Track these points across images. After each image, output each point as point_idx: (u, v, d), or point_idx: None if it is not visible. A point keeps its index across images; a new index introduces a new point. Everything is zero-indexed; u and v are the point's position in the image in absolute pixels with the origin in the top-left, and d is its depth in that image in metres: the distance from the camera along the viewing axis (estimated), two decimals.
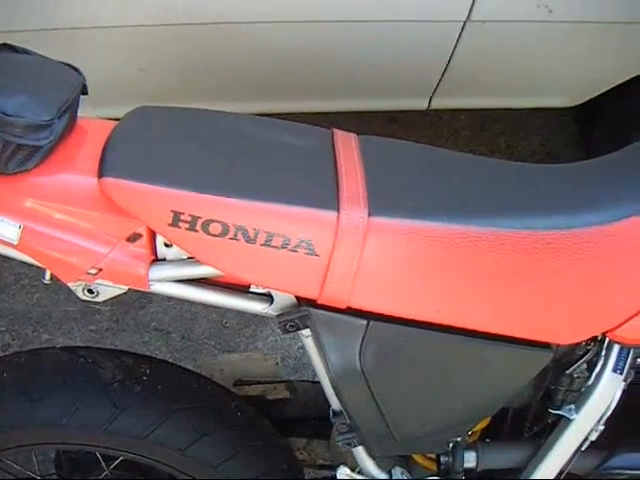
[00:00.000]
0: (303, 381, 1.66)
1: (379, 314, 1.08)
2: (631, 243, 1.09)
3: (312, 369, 2.39)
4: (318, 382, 1.64)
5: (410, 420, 1.21)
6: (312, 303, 1.07)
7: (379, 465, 1.30)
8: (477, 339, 1.12)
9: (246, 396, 1.57)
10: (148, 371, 1.38)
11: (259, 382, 1.60)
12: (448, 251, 1.05)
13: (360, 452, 1.27)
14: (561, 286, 1.09)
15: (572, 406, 1.24)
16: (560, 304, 1.10)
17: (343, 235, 1.01)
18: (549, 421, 1.30)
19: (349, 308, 1.06)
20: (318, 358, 1.15)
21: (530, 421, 1.36)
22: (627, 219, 1.09)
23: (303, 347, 2.50)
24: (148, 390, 1.35)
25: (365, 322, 1.09)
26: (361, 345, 1.10)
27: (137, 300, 2.65)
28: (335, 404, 1.21)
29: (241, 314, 2.57)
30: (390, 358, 1.13)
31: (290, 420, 1.63)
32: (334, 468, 1.69)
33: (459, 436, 1.26)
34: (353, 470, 1.30)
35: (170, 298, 2.60)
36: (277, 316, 1.10)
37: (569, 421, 1.25)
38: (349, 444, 1.24)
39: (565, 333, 1.14)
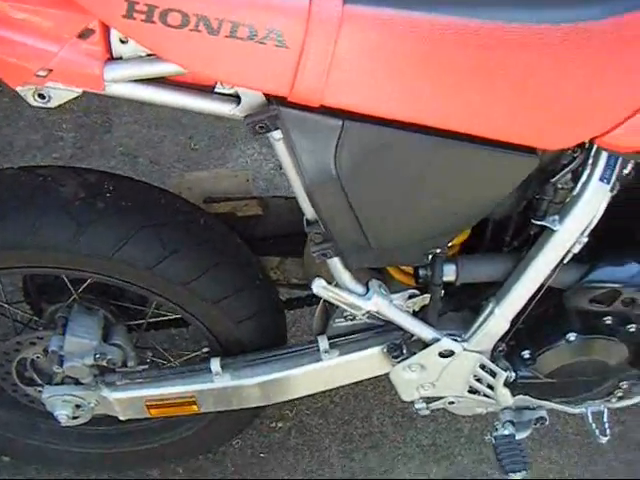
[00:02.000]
0: (276, 197, 1.59)
1: (355, 114, 0.99)
2: (626, 40, 0.99)
3: (285, 186, 2.37)
4: (292, 197, 1.59)
5: (387, 229, 1.15)
6: (283, 102, 0.98)
7: (355, 278, 1.26)
8: (459, 141, 1.04)
9: (216, 213, 1.50)
10: (112, 188, 1.30)
11: (229, 199, 1.53)
12: (428, 43, 0.95)
13: (336, 264, 1.22)
14: (548, 86, 1.00)
15: (556, 217, 1.19)
16: (546, 106, 1.02)
17: (315, 24, 0.91)
18: (531, 233, 1.25)
19: (322, 107, 0.98)
20: (290, 163, 1.07)
21: (510, 234, 1.30)
22: (625, 14, 0.98)
23: (275, 168, 2.50)
24: (112, 207, 1.28)
25: (340, 122, 1.00)
26: (336, 147, 1.02)
27: (101, 125, 2.54)
28: (309, 213, 1.15)
29: (209, 135, 2.48)
30: (366, 161, 1.05)
31: (262, 238, 1.58)
32: (308, 287, 1.67)
33: (438, 248, 1.21)
34: (329, 284, 1.25)
35: (135, 121, 2.51)
36: (245, 117, 1.01)
37: (552, 232, 1.20)
38: (324, 254, 1.18)
39: (551, 138, 1.06)
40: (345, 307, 1.27)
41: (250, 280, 1.42)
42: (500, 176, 1.10)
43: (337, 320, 1.42)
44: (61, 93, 1.01)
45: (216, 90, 1.02)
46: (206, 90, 1.02)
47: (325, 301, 1.37)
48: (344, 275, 1.23)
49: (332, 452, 1.97)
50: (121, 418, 1.51)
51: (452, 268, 1.28)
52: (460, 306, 1.40)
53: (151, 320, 1.53)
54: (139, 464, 1.80)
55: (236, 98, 1.02)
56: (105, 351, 1.40)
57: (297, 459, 1.95)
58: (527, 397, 1.49)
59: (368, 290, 1.26)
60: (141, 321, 1.52)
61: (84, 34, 0.95)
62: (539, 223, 1.20)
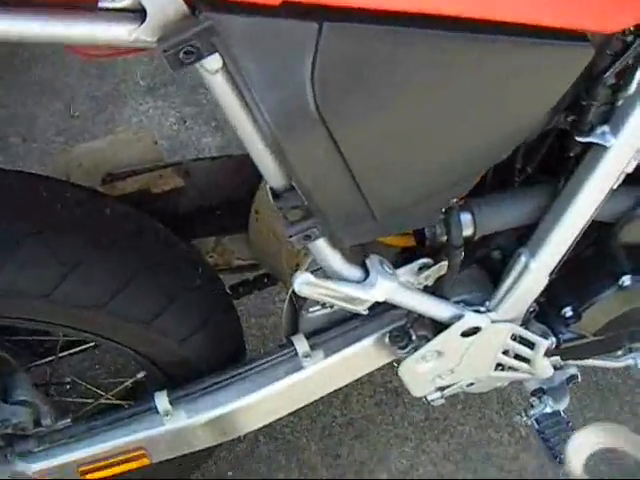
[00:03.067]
0: (198, 160, 1.19)
1: (335, 10, 0.61)
2: None
3: (194, 143, 1.98)
4: (218, 157, 1.20)
5: (395, 182, 0.78)
6: (218, 5, 0.58)
7: (348, 259, 0.88)
8: (490, 35, 0.69)
9: (123, 195, 1.12)
10: None
11: (136, 172, 1.13)
12: None
13: (322, 246, 0.84)
14: None
15: (606, 129, 0.85)
16: None
17: None
18: (571, 154, 0.90)
19: (285, 4, 0.59)
20: (239, 105, 0.67)
21: (533, 162, 0.96)
22: None
23: (178, 122, 2.10)
24: None
25: (316, 25, 0.62)
26: (312, 67, 0.64)
27: None
28: (277, 179, 0.75)
29: (90, 95, 2.06)
30: (359, 83, 0.68)
31: (189, 216, 1.20)
32: (256, 267, 1.29)
33: (457, 197, 0.85)
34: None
35: None
36: (158, 42, 0.61)
37: (603, 150, 0.86)
38: (308, 237, 0.80)
39: (609, 15, 0.73)
40: (342, 304, 0.89)
41: (187, 281, 1.03)
42: (546, 78, 0.76)
43: (312, 309, 1.06)
44: None
45: (101, 4, 0.61)
46: (88, 7, 0.61)
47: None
48: (335, 259, 0.85)
49: (312, 452, 1.64)
50: None
51: (468, 218, 0.93)
52: (465, 262, 1.05)
53: (63, 354, 1.12)
54: None
55: (138, 12, 0.61)
56: (6, 416, 1.01)
57: (272, 469, 1.62)
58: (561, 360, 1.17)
59: (368, 273, 0.88)
60: (49, 358, 1.11)
61: None
62: (586, 140, 0.85)
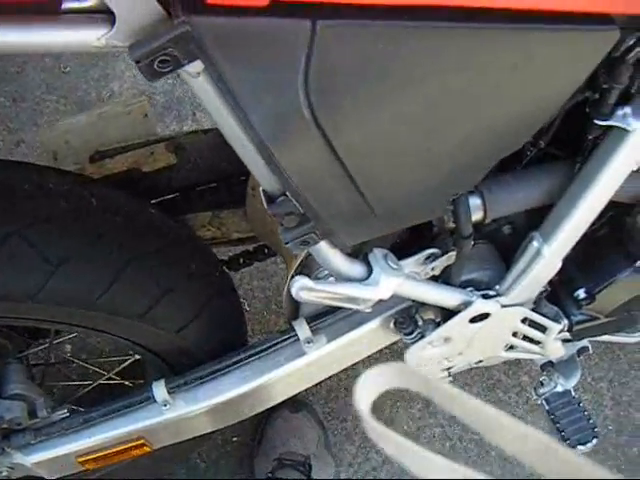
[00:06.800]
0: (191, 133, 1.11)
1: (328, 6, 0.54)
2: None
3: (190, 99, 1.87)
4: (211, 130, 1.13)
5: (399, 181, 0.71)
6: (197, 6, 0.52)
7: (348, 256, 0.82)
8: (505, 24, 0.61)
9: (111, 175, 1.05)
10: None
11: (126, 149, 1.06)
12: None
13: (320, 248, 0.78)
14: None
15: (628, 110, 0.78)
16: None
17: None
18: (590, 137, 0.83)
19: (273, 3, 0.52)
20: (224, 110, 0.61)
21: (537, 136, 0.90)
22: None
23: (173, 77, 1.96)
24: None
25: (308, 24, 0.55)
26: (306, 69, 0.57)
27: None
28: (270, 183, 0.69)
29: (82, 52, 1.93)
30: (358, 83, 0.61)
31: (182, 191, 1.13)
32: (254, 239, 1.24)
33: (466, 187, 0.79)
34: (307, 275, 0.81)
35: None
36: (130, 49, 0.54)
37: (624, 133, 0.79)
38: (306, 242, 0.74)
39: None
40: (344, 305, 0.84)
41: (183, 268, 0.98)
42: (567, 65, 0.68)
43: None
44: None
45: (66, 6, 0.54)
46: (49, 11, 0.54)
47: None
48: (335, 259, 0.79)
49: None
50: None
51: (477, 202, 0.87)
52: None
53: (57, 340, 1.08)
54: None
55: (107, 14, 0.54)
56: (1, 412, 0.96)
57: None
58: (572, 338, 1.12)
59: (371, 269, 0.82)
60: (43, 346, 1.07)
61: None
62: (607, 124, 0.79)
